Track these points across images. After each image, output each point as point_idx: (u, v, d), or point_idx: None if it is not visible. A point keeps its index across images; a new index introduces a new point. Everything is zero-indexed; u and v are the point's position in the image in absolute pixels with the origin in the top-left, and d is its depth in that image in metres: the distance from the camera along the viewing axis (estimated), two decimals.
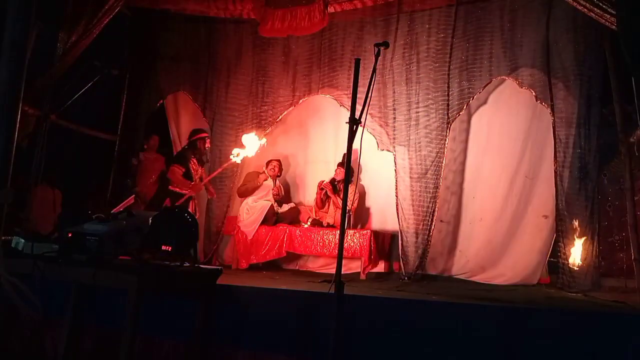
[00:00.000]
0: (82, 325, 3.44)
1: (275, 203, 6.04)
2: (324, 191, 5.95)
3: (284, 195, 6.29)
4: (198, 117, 6.46)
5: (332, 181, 5.99)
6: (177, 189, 5.59)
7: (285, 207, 6.11)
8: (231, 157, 5.44)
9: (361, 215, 6.10)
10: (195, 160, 5.79)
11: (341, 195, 5.88)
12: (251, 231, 5.76)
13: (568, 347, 2.78)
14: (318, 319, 3.08)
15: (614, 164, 5.15)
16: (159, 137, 6.53)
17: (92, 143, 6.36)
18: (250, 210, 5.90)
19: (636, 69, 3.45)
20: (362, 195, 6.14)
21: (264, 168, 6.10)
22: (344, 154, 6.06)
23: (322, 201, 5.99)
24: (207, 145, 5.92)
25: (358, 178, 6.02)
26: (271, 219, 5.90)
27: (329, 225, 5.77)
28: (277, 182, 6.16)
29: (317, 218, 5.92)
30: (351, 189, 5.67)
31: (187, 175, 5.66)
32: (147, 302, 2.64)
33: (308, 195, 6.40)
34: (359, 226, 5.95)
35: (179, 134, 6.66)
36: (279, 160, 6.18)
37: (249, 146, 5.43)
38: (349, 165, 2.76)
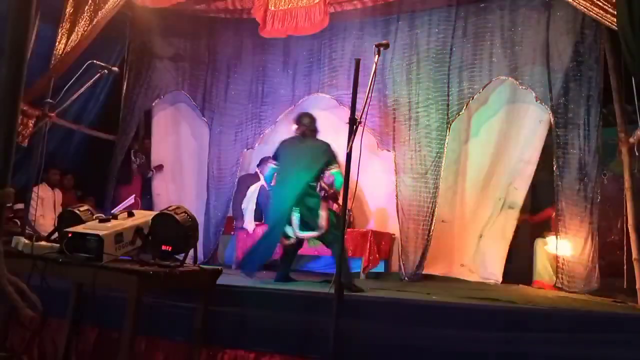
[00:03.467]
0: (82, 325, 3.44)
1: None
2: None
3: None
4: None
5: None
6: None
7: None
8: None
9: (361, 215, 6.10)
10: None
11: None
12: (250, 221, 5.76)
13: (568, 347, 2.78)
14: (318, 319, 3.08)
15: (614, 164, 5.15)
16: None
17: (92, 142, 6.37)
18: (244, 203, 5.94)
19: (636, 69, 3.45)
20: (359, 194, 6.12)
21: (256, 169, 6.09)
22: None
23: None
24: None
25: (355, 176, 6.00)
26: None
27: None
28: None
29: None
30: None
31: None
32: (147, 302, 2.64)
33: None
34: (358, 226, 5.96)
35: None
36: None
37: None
38: (348, 165, 2.76)
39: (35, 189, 5.36)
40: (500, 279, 5.17)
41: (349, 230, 5.32)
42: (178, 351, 3.26)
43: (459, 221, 5.59)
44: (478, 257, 5.42)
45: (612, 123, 4.54)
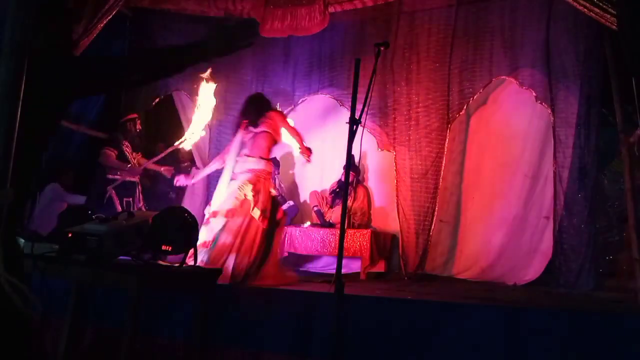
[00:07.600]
0: (82, 325, 3.44)
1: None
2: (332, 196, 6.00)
3: (286, 193, 6.30)
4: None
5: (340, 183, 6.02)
6: (114, 176, 5.21)
7: (285, 206, 6.11)
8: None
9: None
10: (128, 144, 5.42)
11: (352, 195, 5.89)
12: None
13: (568, 347, 2.79)
14: (318, 319, 3.08)
15: (614, 164, 5.15)
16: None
17: (92, 143, 6.36)
18: None
19: (636, 69, 3.44)
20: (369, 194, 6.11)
21: None
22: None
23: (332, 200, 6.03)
24: (139, 127, 5.59)
25: (364, 178, 6.07)
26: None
27: (330, 225, 5.79)
28: (277, 181, 6.16)
29: (323, 211, 5.93)
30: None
31: (122, 159, 5.30)
32: (147, 302, 2.64)
33: (307, 195, 6.40)
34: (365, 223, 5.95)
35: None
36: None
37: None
38: (349, 165, 2.75)
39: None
40: (505, 280, 5.15)
41: (348, 230, 5.32)
42: (178, 351, 3.26)
43: (459, 221, 5.59)
44: (481, 257, 5.41)
45: (612, 123, 4.54)
